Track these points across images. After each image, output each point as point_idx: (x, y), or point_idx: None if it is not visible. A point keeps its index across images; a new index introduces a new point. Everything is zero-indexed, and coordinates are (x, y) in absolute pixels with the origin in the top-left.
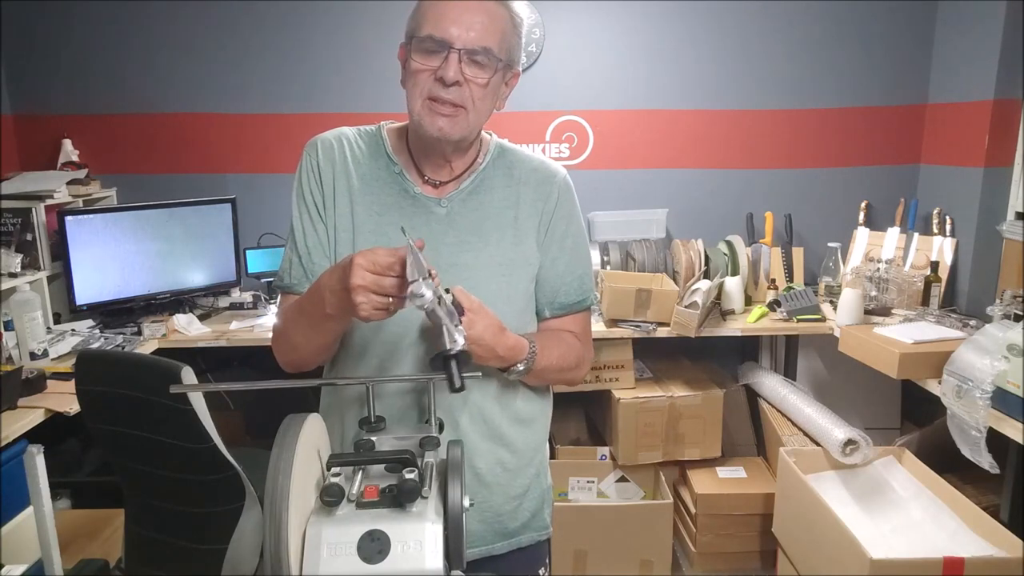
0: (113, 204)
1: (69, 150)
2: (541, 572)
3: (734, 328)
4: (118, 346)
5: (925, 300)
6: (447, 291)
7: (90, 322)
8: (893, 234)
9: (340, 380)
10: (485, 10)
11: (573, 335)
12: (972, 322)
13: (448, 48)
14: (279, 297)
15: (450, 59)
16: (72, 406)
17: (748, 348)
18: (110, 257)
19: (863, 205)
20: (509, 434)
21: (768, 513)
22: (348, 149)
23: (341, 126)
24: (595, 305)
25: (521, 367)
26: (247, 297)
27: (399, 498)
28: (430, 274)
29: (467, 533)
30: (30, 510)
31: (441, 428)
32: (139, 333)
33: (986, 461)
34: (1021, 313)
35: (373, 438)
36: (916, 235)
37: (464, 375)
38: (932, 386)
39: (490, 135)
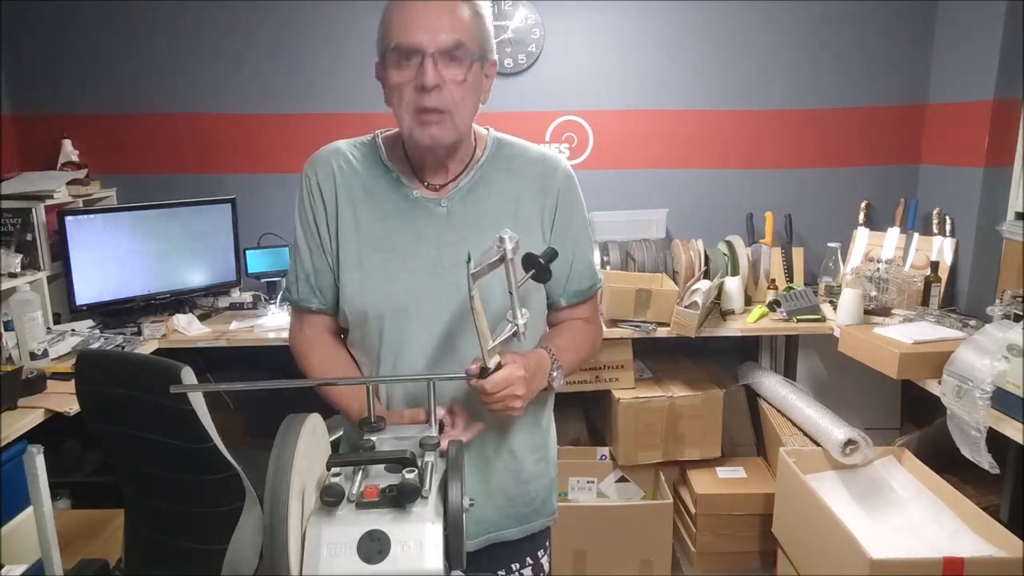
0: (113, 204)
1: (69, 150)
2: (539, 554)
3: (734, 328)
4: (118, 346)
5: (925, 300)
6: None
7: (90, 322)
8: (893, 234)
9: (340, 380)
10: (448, 9)
11: (582, 321)
12: (972, 322)
13: (421, 54)
14: (288, 308)
15: (425, 65)
16: (72, 406)
17: (748, 348)
18: (110, 257)
19: (863, 205)
20: (516, 420)
21: (768, 513)
22: (345, 162)
23: (339, 126)
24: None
25: (555, 373)
26: (247, 297)
27: (399, 498)
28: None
29: (480, 520)
30: (30, 510)
31: (441, 428)
32: (139, 333)
33: (986, 461)
34: (1021, 313)
35: (373, 438)
36: (916, 235)
37: (462, 375)
38: (932, 386)
39: (487, 130)
